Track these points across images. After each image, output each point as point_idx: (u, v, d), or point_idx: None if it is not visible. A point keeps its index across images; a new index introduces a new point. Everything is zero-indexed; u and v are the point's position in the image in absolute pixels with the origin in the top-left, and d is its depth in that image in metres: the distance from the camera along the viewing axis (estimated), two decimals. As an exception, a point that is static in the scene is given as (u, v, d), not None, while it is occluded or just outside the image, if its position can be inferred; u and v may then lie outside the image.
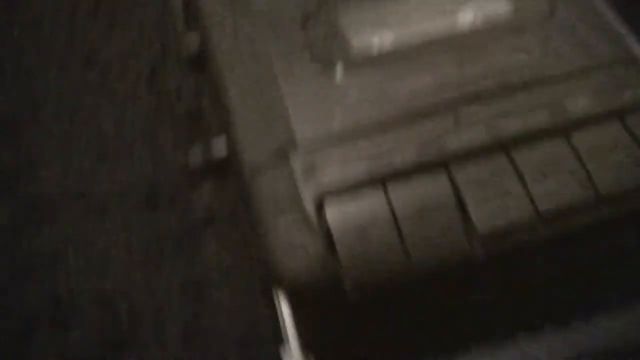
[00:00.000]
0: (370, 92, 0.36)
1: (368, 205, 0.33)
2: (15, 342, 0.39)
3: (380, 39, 0.39)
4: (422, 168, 0.34)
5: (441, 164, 0.34)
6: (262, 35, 0.39)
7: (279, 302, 0.34)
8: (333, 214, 0.33)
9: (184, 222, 0.41)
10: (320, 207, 0.33)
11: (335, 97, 0.36)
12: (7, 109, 0.49)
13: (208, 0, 0.42)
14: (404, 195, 0.33)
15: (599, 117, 0.35)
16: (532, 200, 0.33)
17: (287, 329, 0.34)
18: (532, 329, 0.36)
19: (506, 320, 0.37)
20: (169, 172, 0.43)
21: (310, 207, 0.33)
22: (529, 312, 0.36)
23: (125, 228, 0.42)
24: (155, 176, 0.44)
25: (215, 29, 0.41)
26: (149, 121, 0.46)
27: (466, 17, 0.40)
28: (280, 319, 0.34)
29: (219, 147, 0.40)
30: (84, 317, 0.40)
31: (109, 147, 0.46)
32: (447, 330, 0.36)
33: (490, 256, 0.33)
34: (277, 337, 0.35)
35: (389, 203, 0.33)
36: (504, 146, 0.34)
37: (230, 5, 0.41)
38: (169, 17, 0.49)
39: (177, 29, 0.46)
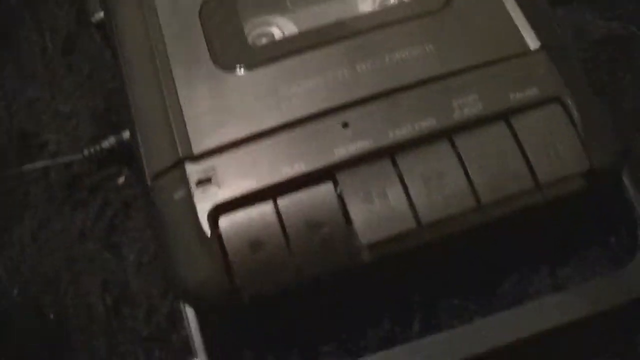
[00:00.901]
0: (264, 97, 0.37)
1: (259, 218, 0.35)
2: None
3: (278, 33, 0.40)
4: (310, 178, 0.36)
5: (328, 173, 0.36)
6: (161, 28, 0.40)
7: (185, 312, 0.37)
8: (226, 227, 0.35)
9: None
10: (214, 220, 0.35)
11: (229, 103, 0.37)
12: None
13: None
14: (293, 205, 0.35)
15: (485, 119, 0.37)
16: (414, 210, 0.35)
17: (195, 339, 0.37)
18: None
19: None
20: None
21: (204, 219, 0.35)
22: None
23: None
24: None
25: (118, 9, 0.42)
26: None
27: (364, 8, 0.40)
28: (188, 329, 0.37)
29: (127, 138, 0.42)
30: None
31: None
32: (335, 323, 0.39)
33: (374, 262, 0.36)
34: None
35: (278, 214, 0.35)
36: (390, 153, 0.36)
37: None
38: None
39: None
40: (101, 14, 0.44)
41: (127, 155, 0.43)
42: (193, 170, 0.36)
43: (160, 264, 0.41)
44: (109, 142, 0.43)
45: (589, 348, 0.39)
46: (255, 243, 0.35)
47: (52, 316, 0.41)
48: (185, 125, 0.37)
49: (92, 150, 0.43)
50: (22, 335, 0.41)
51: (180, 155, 0.36)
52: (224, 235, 0.35)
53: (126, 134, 0.42)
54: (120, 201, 0.43)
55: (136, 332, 0.40)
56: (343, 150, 0.36)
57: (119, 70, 0.40)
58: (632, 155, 0.41)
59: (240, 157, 0.36)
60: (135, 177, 0.43)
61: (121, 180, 0.44)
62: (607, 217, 0.41)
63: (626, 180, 0.40)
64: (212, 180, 0.36)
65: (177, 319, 0.40)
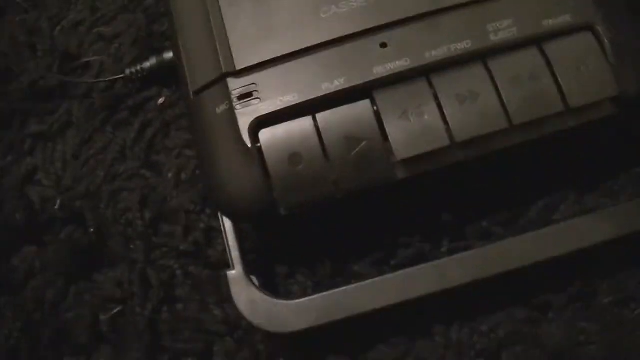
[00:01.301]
0: (305, 16, 0.38)
1: (298, 132, 0.36)
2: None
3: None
4: (348, 95, 0.37)
5: (366, 91, 0.37)
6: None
7: (225, 223, 0.39)
8: (266, 140, 0.36)
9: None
10: (255, 133, 0.36)
11: (271, 22, 0.38)
12: None
13: None
14: (331, 121, 0.36)
15: (519, 44, 0.38)
16: (448, 128, 0.36)
17: (232, 250, 0.38)
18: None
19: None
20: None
21: (245, 131, 0.36)
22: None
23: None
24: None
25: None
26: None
27: None
28: (225, 240, 0.38)
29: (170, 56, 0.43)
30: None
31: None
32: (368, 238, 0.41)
33: (407, 178, 0.37)
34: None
35: (317, 129, 0.36)
36: (426, 72, 0.37)
37: None
38: None
39: None
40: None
41: (167, 77, 0.44)
42: (235, 85, 0.37)
43: (199, 180, 0.42)
44: (150, 63, 0.44)
45: (614, 272, 0.40)
46: (294, 156, 0.36)
47: (92, 230, 0.42)
48: (228, 42, 0.38)
49: (133, 70, 0.44)
50: (64, 245, 0.42)
51: (223, 70, 0.37)
52: (264, 148, 0.36)
53: (168, 55, 0.43)
54: (160, 121, 0.44)
55: (173, 248, 0.42)
56: (381, 69, 0.37)
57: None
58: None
59: (281, 73, 0.37)
60: (175, 98, 0.45)
61: (161, 100, 0.45)
62: (635, 144, 0.42)
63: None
64: (254, 95, 0.37)
65: (213, 236, 0.42)
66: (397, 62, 0.37)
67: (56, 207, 0.43)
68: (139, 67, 0.44)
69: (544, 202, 0.41)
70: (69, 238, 0.42)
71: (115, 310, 0.41)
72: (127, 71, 0.44)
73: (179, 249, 0.42)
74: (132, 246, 0.42)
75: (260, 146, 0.36)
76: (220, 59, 0.38)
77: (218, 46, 0.38)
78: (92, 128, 0.45)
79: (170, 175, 0.43)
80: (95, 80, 0.45)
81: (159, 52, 0.44)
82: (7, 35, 0.48)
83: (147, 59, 0.44)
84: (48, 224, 0.43)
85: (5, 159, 0.45)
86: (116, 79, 0.45)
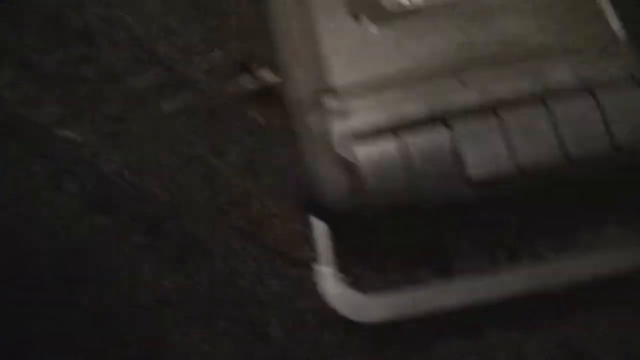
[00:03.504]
0: (394, 48, 0.44)
1: (386, 148, 0.42)
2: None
3: (405, 1, 0.47)
4: (429, 121, 0.43)
5: (444, 118, 0.43)
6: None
7: (315, 224, 0.44)
8: (358, 154, 0.42)
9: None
10: (350, 148, 0.42)
11: (365, 51, 0.44)
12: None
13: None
14: (415, 142, 0.42)
15: (575, 89, 0.44)
16: (513, 155, 0.42)
17: (322, 250, 0.43)
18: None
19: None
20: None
21: (342, 147, 0.42)
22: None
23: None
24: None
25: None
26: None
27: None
28: (315, 239, 0.44)
29: (268, 76, 0.49)
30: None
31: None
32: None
33: (479, 196, 0.42)
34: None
35: (402, 148, 0.42)
36: (495, 107, 0.43)
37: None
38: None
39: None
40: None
41: (266, 95, 0.50)
42: (332, 103, 0.43)
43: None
44: (250, 83, 0.49)
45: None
46: (381, 169, 0.42)
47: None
48: (328, 64, 0.44)
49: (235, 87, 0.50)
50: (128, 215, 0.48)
51: (323, 88, 0.43)
52: (358, 161, 0.42)
53: (268, 76, 0.49)
54: (258, 138, 0.50)
55: (237, 227, 0.47)
56: (458, 101, 0.43)
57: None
58: None
59: (374, 96, 0.43)
60: (273, 114, 0.50)
61: (260, 119, 0.50)
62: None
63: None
64: (348, 113, 0.42)
65: (270, 223, 0.48)
66: (472, 97, 0.43)
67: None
68: (241, 84, 0.49)
69: (590, 227, 0.47)
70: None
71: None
72: (230, 88, 0.50)
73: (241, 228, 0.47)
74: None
75: (355, 159, 0.42)
76: (321, 78, 0.43)
77: (319, 66, 0.44)
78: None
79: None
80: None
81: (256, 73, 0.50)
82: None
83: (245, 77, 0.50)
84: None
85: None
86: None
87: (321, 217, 0.44)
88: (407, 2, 0.46)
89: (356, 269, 0.45)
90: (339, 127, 0.42)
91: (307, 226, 0.45)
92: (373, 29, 0.45)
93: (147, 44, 0.53)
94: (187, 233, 0.48)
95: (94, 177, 0.49)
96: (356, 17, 0.45)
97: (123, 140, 0.50)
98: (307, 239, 0.45)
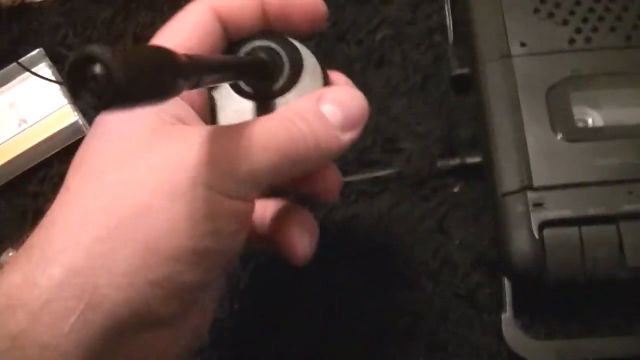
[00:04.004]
0: (581, 161, 0.59)
1: (569, 236, 0.57)
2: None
3: (593, 119, 0.61)
4: (604, 219, 0.57)
5: (615, 219, 0.57)
6: (519, 97, 0.62)
7: (505, 282, 0.59)
8: (548, 236, 0.57)
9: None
10: (540, 230, 0.57)
11: (559, 159, 0.59)
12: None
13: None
14: (591, 233, 0.57)
15: None
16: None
17: (508, 301, 0.59)
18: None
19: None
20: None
21: (535, 228, 0.57)
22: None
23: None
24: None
25: (487, 71, 0.64)
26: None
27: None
28: (504, 293, 0.59)
29: (474, 160, 0.64)
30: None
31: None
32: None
33: (633, 277, 0.57)
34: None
35: (580, 236, 0.57)
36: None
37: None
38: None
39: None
40: (463, 70, 0.66)
41: (464, 173, 0.65)
42: (532, 196, 0.58)
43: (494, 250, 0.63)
44: (455, 162, 0.65)
45: None
46: (562, 250, 0.57)
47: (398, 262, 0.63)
48: (530, 167, 0.59)
49: (444, 164, 0.65)
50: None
51: (526, 184, 0.58)
52: (546, 241, 0.57)
53: (472, 159, 0.64)
54: (452, 202, 0.65)
55: (453, 288, 0.63)
56: (626, 207, 0.58)
57: (479, 111, 0.63)
58: None
59: (563, 195, 0.58)
60: (468, 189, 0.66)
61: (456, 189, 0.66)
62: None
63: None
64: (543, 205, 0.58)
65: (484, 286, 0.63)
66: (637, 205, 0.58)
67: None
68: (447, 162, 0.65)
69: None
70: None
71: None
72: (439, 163, 0.65)
73: (458, 290, 0.63)
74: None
75: (543, 239, 0.57)
76: (525, 177, 0.59)
77: (524, 168, 0.59)
78: (403, 195, 0.66)
79: (457, 241, 0.64)
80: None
81: (461, 154, 0.65)
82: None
83: (453, 157, 0.65)
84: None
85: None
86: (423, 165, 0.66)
87: (510, 277, 0.59)
88: (592, 122, 0.61)
89: (535, 320, 0.61)
90: (534, 215, 0.57)
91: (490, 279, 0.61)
92: (566, 143, 0.60)
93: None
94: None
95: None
96: (555, 131, 0.60)
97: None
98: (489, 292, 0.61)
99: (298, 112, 0.41)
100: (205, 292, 0.43)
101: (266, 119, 0.41)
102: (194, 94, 0.45)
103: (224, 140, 0.39)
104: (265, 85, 0.44)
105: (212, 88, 0.46)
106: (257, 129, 0.40)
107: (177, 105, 0.43)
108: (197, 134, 0.40)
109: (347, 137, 0.42)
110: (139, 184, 0.38)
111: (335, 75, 0.48)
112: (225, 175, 0.39)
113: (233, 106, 0.45)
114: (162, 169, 0.39)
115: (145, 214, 0.38)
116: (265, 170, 0.40)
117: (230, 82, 0.43)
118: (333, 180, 0.48)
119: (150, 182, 0.38)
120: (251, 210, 0.42)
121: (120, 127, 0.41)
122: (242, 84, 0.44)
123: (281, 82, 0.43)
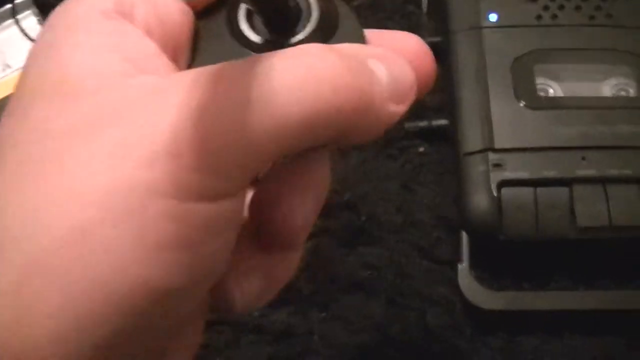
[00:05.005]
0: (540, 128, 0.63)
1: (525, 195, 0.61)
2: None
3: (554, 90, 0.65)
4: (557, 182, 0.61)
5: (568, 182, 0.61)
6: (486, 66, 0.66)
7: (463, 235, 0.63)
8: (505, 194, 0.61)
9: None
10: (498, 188, 0.61)
11: (520, 125, 0.63)
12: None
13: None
14: (545, 194, 0.61)
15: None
16: (609, 216, 0.61)
17: (465, 252, 0.63)
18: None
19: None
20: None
21: (494, 187, 0.61)
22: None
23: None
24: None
25: (457, 40, 0.68)
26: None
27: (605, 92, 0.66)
28: (461, 246, 0.63)
29: (440, 123, 0.68)
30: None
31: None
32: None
33: (582, 238, 0.61)
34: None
35: (535, 196, 0.61)
36: (604, 181, 0.62)
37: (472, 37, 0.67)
38: None
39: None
40: (435, 39, 0.70)
41: (430, 135, 0.69)
42: (492, 157, 0.62)
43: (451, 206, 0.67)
44: (422, 123, 0.69)
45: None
46: (517, 210, 0.61)
47: (363, 218, 0.67)
48: (492, 130, 0.63)
49: (411, 125, 0.69)
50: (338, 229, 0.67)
51: (487, 145, 0.62)
52: (503, 200, 0.61)
53: (438, 122, 0.68)
54: (417, 162, 0.69)
55: (414, 244, 0.66)
56: (580, 172, 0.62)
57: (447, 79, 0.67)
58: None
59: (521, 158, 0.62)
60: (432, 150, 0.69)
61: (421, 149, 0.69)
62: None
63: None
64: (503, 166, 0.61)
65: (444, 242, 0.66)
66: (589, 171, 0.62)
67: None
68: (415, 124, 0.69)
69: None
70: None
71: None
72: (406, 124, 0.69)
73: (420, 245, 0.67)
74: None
75: (500, 197, 0.61)
76: (486, 138, 0.62)
77: (486, 130, 0.63)
78: (370, 154, 0.70)
79: (425, 201, 0.68)
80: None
81: (428, 117, 0.69)
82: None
83: (420, 119, 0.69)
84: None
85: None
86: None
87: (468, 231, 0.63)
88: (553, 93, 0.65)
89: (489, 273, 0.65)
90: (493, 175, 0.61)
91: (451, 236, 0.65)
92: (527, 110, 0.64)
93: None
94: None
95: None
96: (518, 99, 0.64)
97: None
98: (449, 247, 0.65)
99: (347, 54, 0.28)
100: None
101: (292, 51, 0.27)
102: (172, 27, 0.31)
103: (223, 85, 0.26)
104: (279, 36, 0.31)
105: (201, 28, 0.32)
106: (280, 63, 0.26)
107: (140, 49, 0.29)
108: (173, 94, 0.26)
109: (397, 109, 0.30)
110: (68, 196, 0.25)
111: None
112: (220, 150, 0.25)
113: (223, 54, 0.30)
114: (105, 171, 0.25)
115: (76, 243, 0.24)
116: (295, 126, 0.26)
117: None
118: (300, 216, 0.33)
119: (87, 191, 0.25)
120: (241, 209, 0.29)
121: (49, 114, 0.27)
122: (245, 27, 0.31)
123: (301, 36, 0.31)
